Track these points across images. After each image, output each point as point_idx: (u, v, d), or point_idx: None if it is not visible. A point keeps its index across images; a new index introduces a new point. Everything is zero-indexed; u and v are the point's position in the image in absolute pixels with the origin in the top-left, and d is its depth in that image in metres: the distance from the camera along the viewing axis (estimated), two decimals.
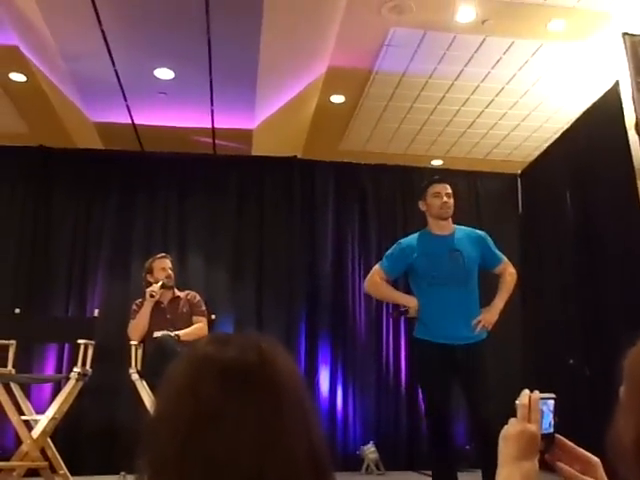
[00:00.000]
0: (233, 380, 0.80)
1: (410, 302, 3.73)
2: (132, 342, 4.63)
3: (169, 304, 4.71)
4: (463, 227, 3.87)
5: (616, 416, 0.93)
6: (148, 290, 4.61)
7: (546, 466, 1.05)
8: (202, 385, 0.80)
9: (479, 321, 3.59)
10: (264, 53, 5.16)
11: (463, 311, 3.60)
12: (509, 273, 3.80)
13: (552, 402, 1.05)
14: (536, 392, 1.04)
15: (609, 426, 0.95)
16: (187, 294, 4.82)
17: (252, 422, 0.77)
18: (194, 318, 4.69)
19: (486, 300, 3.79)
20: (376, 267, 3.94)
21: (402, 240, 3.91)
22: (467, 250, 3.68)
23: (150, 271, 4.75)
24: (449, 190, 3.79)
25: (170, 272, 4.76)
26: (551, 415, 1.04)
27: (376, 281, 3.88)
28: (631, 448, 0.88)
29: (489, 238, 3.84)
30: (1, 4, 4.75)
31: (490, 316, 3.64)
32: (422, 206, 3.86)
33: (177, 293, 4.80)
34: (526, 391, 1.05)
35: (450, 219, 3.81)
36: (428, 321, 3.66)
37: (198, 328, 4.59)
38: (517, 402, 1.04)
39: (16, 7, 4.76)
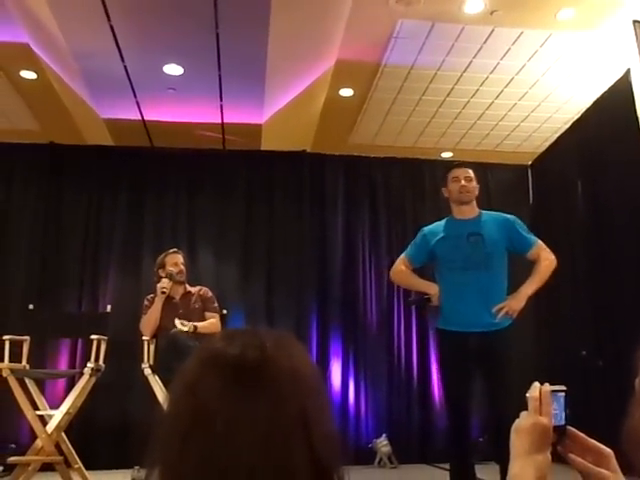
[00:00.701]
0: (231, 378, 0.80)
1: (431, 289, 3.65)
2: (144, 337, 4.66)
3: (181, 299, 4.73)
4: (492, 212, 3.78)
5: (631, 408, 0.93)
6: (159, 286, 4.63)
7: (559, 458, 1.06)
8: (203, 383, 0.80)
9: (502, 307, 3.43)
10: (272, 47, 5.16)
11: (483, 296, 3.47)
12: (544, 258, 3.60)
13: (563, 394, 1.05)
14: (547, 385, 1.04)
15: (622, 417, 0.95)
16: (199, 289, 4.84)
17: (247, 422, 0.77)
18: (207, 314, 4.70)
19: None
20: (401, 255, 3.89)
21: (425, 227, 3.84)
22: (489, 233, 3.57)
23: (162, 266, 4.77)
24: (469, 174, 3.72)
25: (182, 267, 4.77)
26: (563, 407, 1.04)
27: (400, 269, 3.84)
28: None
29: (519, 221, 3.70)
30: (12, 2, 4.77)
31: (515, 303, 3.46)
32: (445, 192, 3.80)
33: (189, 288, 4.82)
34: (537, 384, 1.05)
35: (474, 204, 3.72)
36: (447, 308, 3.59)
37: (213, 324, 4.62)
38: (528, 395, 1.04)
39: (27, 5, 4.79)
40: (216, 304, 4.82)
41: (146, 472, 0.82)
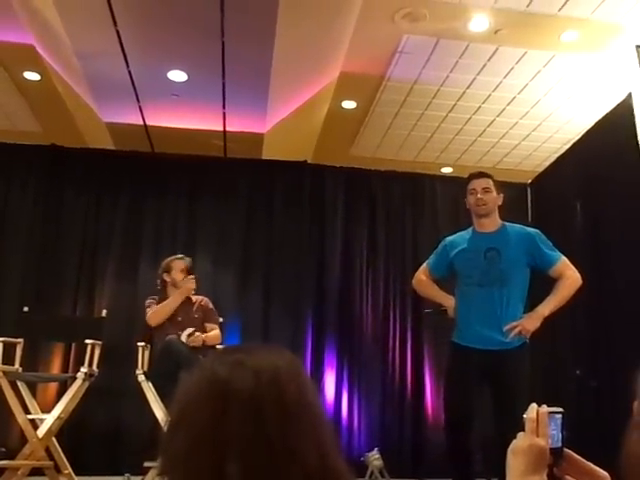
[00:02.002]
0: (241, 407, 0.80)
1: (446, 301, 3.59)
2: (139, 343, 4.64)
3: (181, 307, 4.69)
4: (515, 225, 3.62)
5: (629, 430, 0.93)
6: (188, 286, 4.62)
7: (555, 479, 1.05)
8: (202, 406, 0.81)
9: (515, 326, 3.30)
10: (277, 57, 5.18)
11: (496, 314, 3.37)
12: (567, 277, 3.44)
13: (560, 416, 1.05)
14: (544, 406, 1.04)
15: (617, 439, 0.95)
16: (201, 300, 4.81)
17: (260, 449, 0.78)
18: (208, 325, 4.68)
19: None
20: (424, 264, 3.81)
21: (448, 237, 3.74)
22: (507, 249, 3.44)
23: (168, 270, 4.74)
24: (487, 185, 3.59)
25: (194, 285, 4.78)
26: (559, 429, 1.04)
27: (421, 279, 3.76)
28: None
29: (542, 236, 3.54)
30: (18, 3, 4.78)
31: (529, 322, 3.34)
32: (467, 204, 3.69)
33: (191, 297, 4.79)
34: (534, 405, 1.05)
35: (495, 215, 3.60)
36: (462, 323, 3.52)
37: (216, 336, 4.61)
38: (525, 416, 1.04)
39: (33, 6, 4.80)
40: (217, 315, 4.81)
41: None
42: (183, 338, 4.35)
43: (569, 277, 3.47)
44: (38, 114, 6.38)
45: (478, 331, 3.42)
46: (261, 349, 0.89)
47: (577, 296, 5.74)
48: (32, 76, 5.73)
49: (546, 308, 3.41)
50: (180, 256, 4.85)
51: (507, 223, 3.62)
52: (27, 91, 5.99)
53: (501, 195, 3.65)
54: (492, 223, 3.57)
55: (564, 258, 3.52)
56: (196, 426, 0.79)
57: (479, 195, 3.55)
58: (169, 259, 4.83)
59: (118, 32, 4.88)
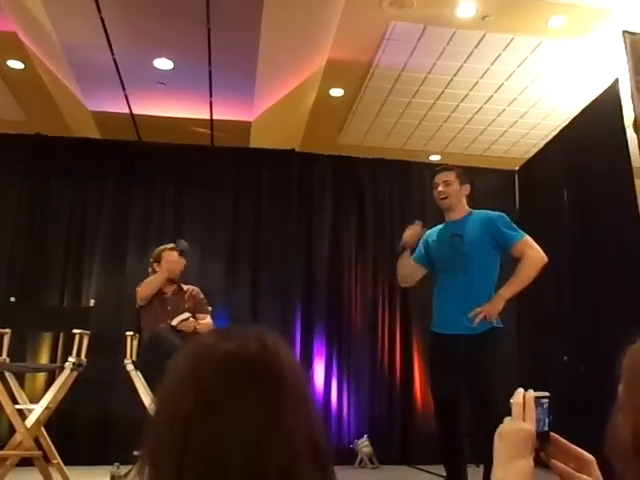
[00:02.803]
0: (235, 370, 0.81)
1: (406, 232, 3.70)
2: (128, 333, 4.63)
3: (172, 296, 4.69)
4: (481, 211, 3.68)
5: (614, 414, 0.94)
6: (172, 267, 4.64)
7: (541, 463, 1.06)
8: (204, 375, 0.81)
9: (479, 312, 3.34)
10: (264, 45, 5.15)
11: (462, 299, 3.44)
12: (528, 256, 3.45)
13: (547, 400, 1.05)
14: (530, 391, 1.05)
15: (603, 423, 0.95)
16: (192, 290, 4.81)
17: (253, 411, 0.78)
18: (200, 315, 4.68)
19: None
20: None
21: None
22: (471, 234, 3.52)
23: (158, 260, 4.73)
24: (447, 178, 3.68)
25: (182, 267, 4.76)
26: (546, 413, 1.04)
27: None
28: (629, 446, 0.88)
29: (504, 218, 3.58)
30: None
31: (491, 306, 3.37)
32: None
33: (182, 286, 4.79)
34: (520, 390, 1.05)
35: (462, 206, 3.68)
36: (435, 310, 3.63)
37: (207, 324, 4.62)
38: (512, 401, 1.04)
39: None
40: (208, 305, 4.82)
41: (139, 467, 0.82)
42: (175, 322, 4.35)
43: (529, 256, 3.47)
44: (22, 103, 6.33)
45: (447, 316, 3.51)
46: (246, 328, 0.90)
47: (563, 281, 5.80)
48: (16, 65, 5.68)
49: (507, 291, 3.45)
50: (171, 246, 4.83)
51: (475, 210, 3.70)
52: (11, 80, 5.93)
53: (467, 186, 3.72)
54: (459, 212, 3.68)
55: (526, 238, 3.54)
56: (184, 406, 0.79)
57: (440, 188, 3.67)
58: (161, 248, 4.81)
59: (103, 20, 4.83)
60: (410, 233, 3.71)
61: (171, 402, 0.82)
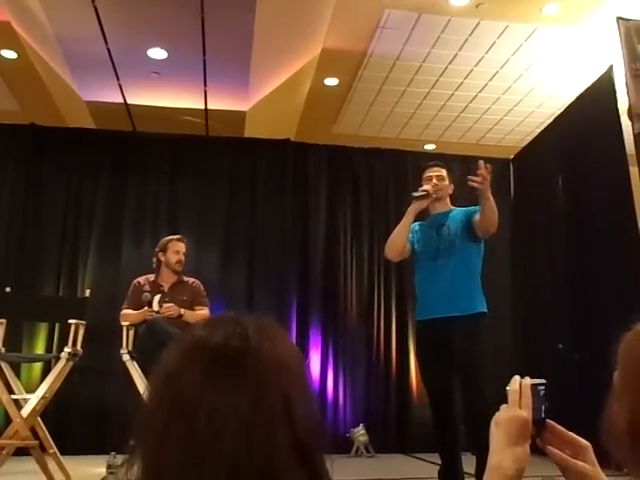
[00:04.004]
0: (213, 367, 0.79)
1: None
2: (123, 323, 4.62)
3: (171, 288, 4.64)
4: (463, 207, 3.81)
5: (610, 400, 0.94)
6: (162, 310, 4.42)
7: (537, 450, 1.07)
8: (184, 371, 0.79)
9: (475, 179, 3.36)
10: (258, 34, 5.13)
11: (449, 282, 3.55)
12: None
13: (543, 387, 1.06)
14: (527, 378, 1.06)
15: (599, 410, 0.96)
16: (192, 282, 4.76)
17: (229, 410, 0.76)
18: (197, 307, 4.65)
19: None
20: None
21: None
22: (455, 223, 3.69)
23: (164, 250, 4.70)
24: (441, 173, 3.83)
25: (182, 257, 4.71)
26: (542, 400, 1.05)
27: None
28: (624, 432, 0.89)
29: (467, 207, 3.74)
30: None
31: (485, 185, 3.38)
32: None
33: (183, 279, 4.75)
34: (517, 377, 1.06)
35: (447, 201, 3.84)
36: (420, 298, 3.73)
37: (202, 315, 4.57)
38: (508, 388, 1.05)
39: None
40: (206, 297, 4.77)
41: (125, 461, 0.81)
42: (155, 306, 4.33)
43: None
44: (16, 93, 6.30)
45: (431, 302, 3.60)
46: (238, 317, 0.88)
47: (558, 269, 5.82)
48: (9, 54, 5.65)
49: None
50: (178, 237, 4.79)
51: (459, 208, 3.84)
52: (4, 69, 5.90)
53: (452, 185, 3.88)
54: (444, 206, 3.82)
55: None
56: (164, 404, 0.78)
57: (434, 181, 3.79)
58: (167, 238, 4.77)
59: (96, 9, 4.80)
60: (434, 189, 3.72)
61: (154, 396, 0.81)
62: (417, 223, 3.87)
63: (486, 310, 3.59)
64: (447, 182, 3.85)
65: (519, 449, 0.99)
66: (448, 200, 3.87)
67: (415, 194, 3.76)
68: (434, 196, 3.73)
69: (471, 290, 3.59)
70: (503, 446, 1.00)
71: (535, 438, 1.04)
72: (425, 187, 3.76)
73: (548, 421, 1.06)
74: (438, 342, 3.51)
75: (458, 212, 3.76)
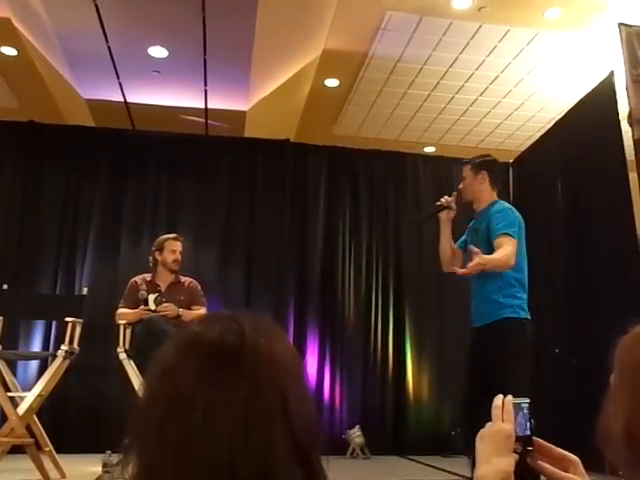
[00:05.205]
0: (209, 363, 0.78)
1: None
2: (120, 321, 4.61)
3: (168, 288, 4.62)
4: (498, 204, 3.60)
5: (606, 404, 0.95)
6: (159, 309, 4.44)
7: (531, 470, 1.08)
8: (180, 368, 0.79)
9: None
10: (259, 34, 5.13)
11: (479, 291, 3.48)
12: (497, 253, 3.34)
13: (526, 406, 1.09)
14: (509, 396, 1.09)
15: (595, 415, 0.96)
16: (190, 282, 4.73)
17: (225, 407, 0.75)
18: (195, 307, 4.64)
19: None
20: None
21: None
22: (482, 226, 3.53)
23: (160, 249, 4.68)
24: (463, 173, 3.69)
25: (179, 256, 4.68)
26: (527, 418, 1.08)
27: None
28: (620, 435, 0.89)
29: (501, 213, 3.50)
30: None
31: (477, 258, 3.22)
32: None
33: (180, 278, 4.73)
34: (500, 395, 1.10)
35: (481, 198, 3.62)
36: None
37: (200, 315, 4.54)
38: (493, 405, 1.09)
39: None
40: (204, 297, 4.75)
41: (121, 458, 0.81)
42: (151, 305, 4.32)
43: (497, 254, 3.36)
44: (15, 90, 6.29)
45: (473, 310, 3.54)
46: (235, 315, 0.88)
47: (556, 274, 5.81)
48: (9, 51, 5.64)
49: (486, 259, 3.31)
50: (174, 236, 4.76)
51: (498, 201, 3.63)
52: (4, 67, 5.89)
53: (482, 174, 3.63)
54: (481, 203, 3.64)
55: (506, 237, 3.40)
56: (159, 402, 0.78)
57: (460, 186, 3.70)
58: (163, 237, 4.75)
59: (97, 6, 4.80)
60: (450, 198, 3.65)
61: (150, 393, 0.80)
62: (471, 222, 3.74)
63: (512, 315, 3.39)
64: (470, 179, 3.63)
65: (503, 460, 1.02)
66: (486, 192, 3.62)
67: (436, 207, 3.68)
68: (453, 206, 3.61)
69: (496, 297, 3.39)
70: (487, 458, 1.03)
71: (523, 455, 1.06)
72: (441, 200, 3.66)
73: (535, 438, 1.08)
74: (476, 350, 3.46)
75: (489, 213, 3.53)
